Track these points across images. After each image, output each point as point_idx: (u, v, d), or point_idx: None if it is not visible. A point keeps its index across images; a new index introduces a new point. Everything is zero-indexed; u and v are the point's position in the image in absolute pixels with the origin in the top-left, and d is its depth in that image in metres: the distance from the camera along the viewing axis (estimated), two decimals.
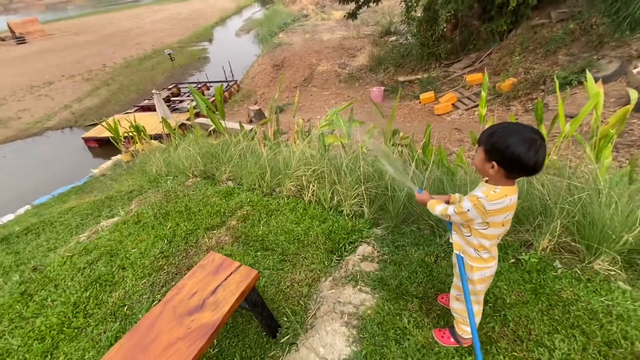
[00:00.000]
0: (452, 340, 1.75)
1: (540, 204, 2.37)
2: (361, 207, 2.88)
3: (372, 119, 8.09)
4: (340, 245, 2.56)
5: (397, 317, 1.93)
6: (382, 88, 11.39)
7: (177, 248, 2.84)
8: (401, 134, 3.54)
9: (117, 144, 7.54)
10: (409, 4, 11.25)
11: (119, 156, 8.19)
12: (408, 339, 1.81)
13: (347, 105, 3.90)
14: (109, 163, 8.57)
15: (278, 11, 28.58)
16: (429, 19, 10.85)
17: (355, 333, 1.91)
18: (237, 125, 5.25)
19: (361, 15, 14.82)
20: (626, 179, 2.30)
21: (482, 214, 1.33)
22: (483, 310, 1.80)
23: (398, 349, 1.78)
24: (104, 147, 11.20)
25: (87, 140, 11.81)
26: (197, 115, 10.28)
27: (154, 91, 10.50)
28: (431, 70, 11.54)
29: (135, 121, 7.40)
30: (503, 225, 1.39)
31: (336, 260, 2.46)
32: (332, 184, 3.08)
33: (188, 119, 9.97)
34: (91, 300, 2.44)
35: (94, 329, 2.22)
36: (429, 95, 9.99)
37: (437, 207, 1.52)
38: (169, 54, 17.97)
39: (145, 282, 2.53)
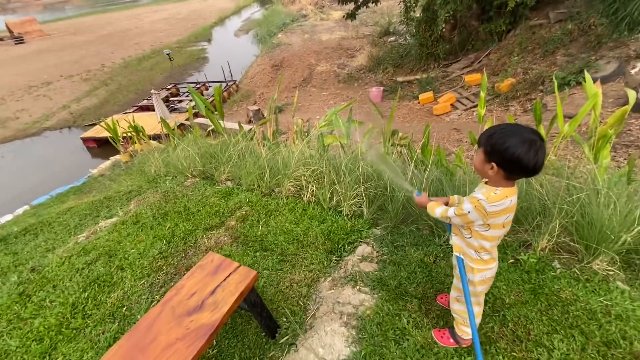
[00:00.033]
0: (452, 340, 1.75)
1: (539, 204, 2.37)
2: (360, 207, 2.88)
3: (371, 119, 8.10)
4: (340, 246, 2.56)
5: (397, 318, 1.93)
6: (381, 88, 11.39)
7: (175, 248, 2.84)
8: (400, 134, 3.55)
9: (116, 144, 7.51)
10: (408, 4, 11.25)
11: (117, 156, 8.16)
12: (407, 339, 1.81)
13: (346, 105, 3.88)
14: (107, 163, 8.53)
15: (277, 11, 28.59)
16: (428, 20, 10.85)
17: (354, 333, 1.91)
18: (236, 126, 5.24)
19: (360, 16, 14.81)
20: (624, 179, 2.31)
21: (482, 215, 1.33)
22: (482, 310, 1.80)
23: (397, 349, 1.78)
24: (102, 147, 11.17)
25: (85, 140, 11.77)
26: (196, 115, 10.25)
27: (152, 91, 10.49)
28: (430, 70, 11.54)
29: (134, 121, 7.36)
30: (503, 227, 1.39)
31: (335, 260, 2.46)
32: (331, 184, 3.07)
33: (187, 119, 9.96)
34: (90, 301, 2.43)
35: (92, 329, 2.21)
36: (427, 95, 9.99)
37: (437, 209, 1.51)
38: (167, 54, 17.90)
39: (144, 283, 2.53)
